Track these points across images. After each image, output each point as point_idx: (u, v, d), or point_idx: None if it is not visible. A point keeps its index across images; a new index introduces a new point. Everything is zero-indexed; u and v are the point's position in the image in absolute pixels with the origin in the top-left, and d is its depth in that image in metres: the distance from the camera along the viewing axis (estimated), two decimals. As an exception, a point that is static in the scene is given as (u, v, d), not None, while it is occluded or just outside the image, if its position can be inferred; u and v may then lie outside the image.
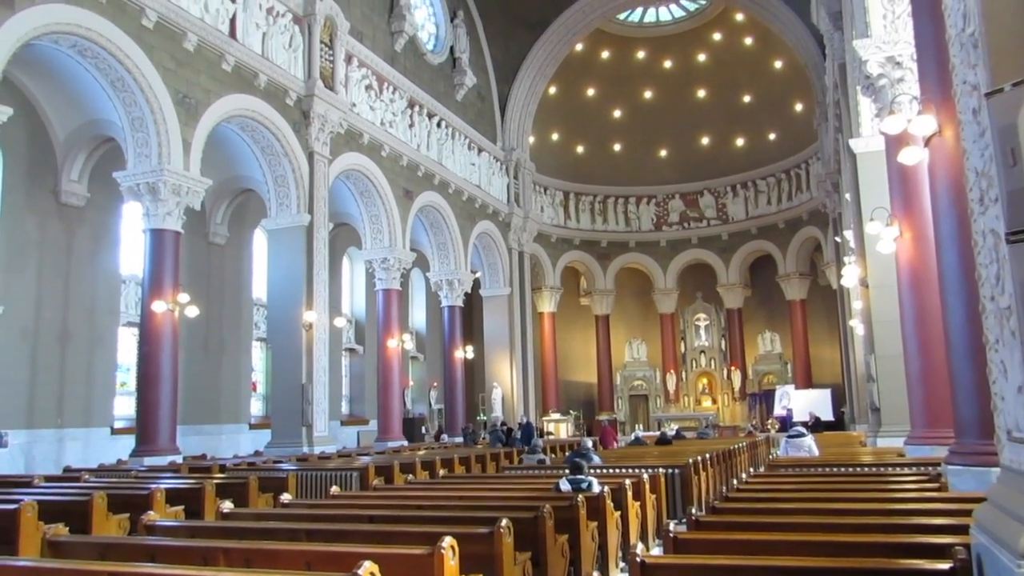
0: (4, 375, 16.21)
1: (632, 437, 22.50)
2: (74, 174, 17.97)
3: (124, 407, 19.26)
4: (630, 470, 10.20)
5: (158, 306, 15.55)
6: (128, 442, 16.30)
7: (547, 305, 35.58)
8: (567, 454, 14.54)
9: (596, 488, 7.40)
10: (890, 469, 9.11)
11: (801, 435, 12.74)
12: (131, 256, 19.24)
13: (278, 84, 18.79)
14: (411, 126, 25.14)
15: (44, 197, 17.55)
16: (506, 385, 30.63)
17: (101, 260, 18.78)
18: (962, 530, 3.87)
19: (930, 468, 8.07)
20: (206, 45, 16.76)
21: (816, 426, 24.76)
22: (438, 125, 26.84)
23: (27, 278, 17.01)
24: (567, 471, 8.00)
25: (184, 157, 15.92)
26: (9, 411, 16.21)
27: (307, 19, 20.00)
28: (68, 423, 17.48)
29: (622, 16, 34.52)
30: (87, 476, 11.51)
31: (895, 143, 9.53)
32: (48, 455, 16.89)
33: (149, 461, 14.52)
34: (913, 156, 8.18)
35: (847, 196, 17.78)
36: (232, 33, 17.57)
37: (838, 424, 28.74)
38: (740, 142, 36.48)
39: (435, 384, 31.60)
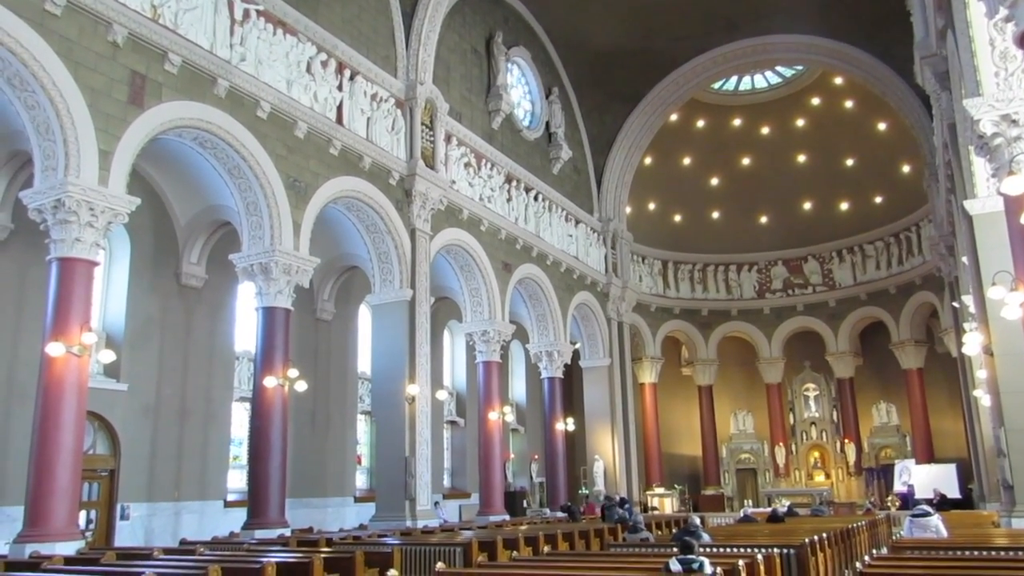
0: (128, 450, 17.02)
1: (741, 514, 21.60)
2: (193, 257, 19.06)
3: (236, 480, 19.86)
4: (742, 549, 9.75)
5: (269, 381, 16.11)
6: (240, 514, 16.77)
7: (648, 375, 35.02)
8: (674, 532, 14.03)
9: (708, 569, 7.07)
10: (1031, 553, 8.39)
11: (927, 514, 11.95)
12: (244, 333, 20.12)
13: (382, 165, 19.56)
14: (509, 200, 25.63)
15: (167, 279, 18.64)
16: (608, 457, 30.06)
17: (217, 338, 19.68)
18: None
19: (1077, 553, 7.42)
20: (315, 132, 17.68)
21: (942, 504, 23.19)
22: (535, 198, 27.27)
23: (149, 356, 17.97)
24: (676, 550, 7.71)
25: (294, 238, 16.67)
26: (132, 485, 16.99)
27: (409, 103, 20.89)
28: (184, 496, 18.14)
29: (716, 85, 34.55)
30: (202, 549, 11.82)
31: (1015, 204, 9.10)
32: (166, 527, 17.52)
33: (260, 534, 14.83)
34: (1037, 217, 7.78)
35: (964, 259, 16.97)
36: (339, 119, 18.51)
37: (966, 502, 26.84)
38: (844, 206, 35.52)
39: (536, 457, 31.31)
